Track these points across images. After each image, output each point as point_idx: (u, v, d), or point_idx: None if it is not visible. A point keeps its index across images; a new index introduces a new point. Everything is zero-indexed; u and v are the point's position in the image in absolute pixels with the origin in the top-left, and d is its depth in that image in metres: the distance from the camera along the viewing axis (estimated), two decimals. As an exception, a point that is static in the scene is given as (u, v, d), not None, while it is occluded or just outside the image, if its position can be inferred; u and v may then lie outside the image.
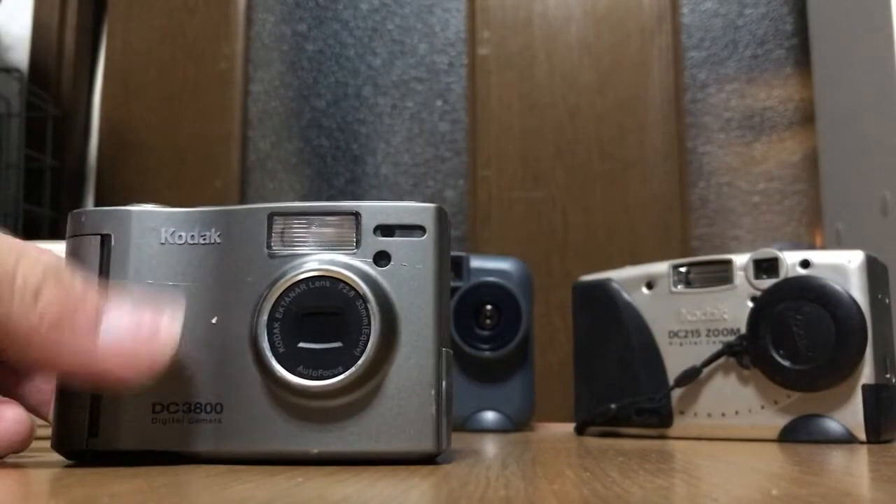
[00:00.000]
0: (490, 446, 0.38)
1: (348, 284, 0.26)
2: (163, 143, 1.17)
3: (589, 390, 0.48)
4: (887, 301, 0.42)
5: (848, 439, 0.38)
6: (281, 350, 0.26)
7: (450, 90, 1.15)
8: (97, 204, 1.17)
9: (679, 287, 0.44)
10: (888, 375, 0.40)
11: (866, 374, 0.39)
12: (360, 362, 0.26)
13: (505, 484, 0.22)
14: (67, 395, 0.26)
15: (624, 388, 0.45)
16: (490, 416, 0.54)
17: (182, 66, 1.19)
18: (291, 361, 0.26)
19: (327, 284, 0.26)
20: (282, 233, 0.27)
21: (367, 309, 0.26)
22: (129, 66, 1.20)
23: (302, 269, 0.26)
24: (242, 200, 1.15)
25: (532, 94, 1.11)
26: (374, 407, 0.26)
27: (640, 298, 0.46)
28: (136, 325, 0.24)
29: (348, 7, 1.19)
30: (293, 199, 1.15)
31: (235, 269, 0.27)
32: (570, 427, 0.50)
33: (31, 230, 1.06)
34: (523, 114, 1.11)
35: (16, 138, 1.06)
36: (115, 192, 1.16)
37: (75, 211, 0.27)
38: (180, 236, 0.27)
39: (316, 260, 0.26)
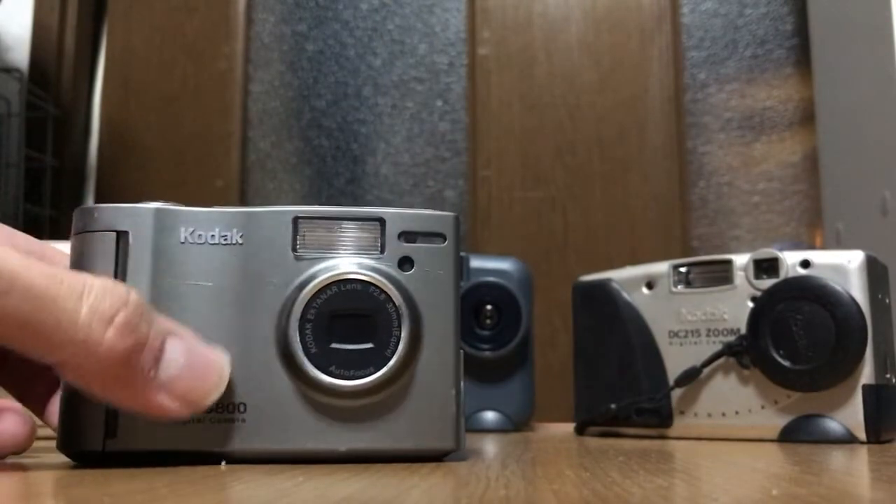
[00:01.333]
0: (490, 446, 0.38)
1: (378, 287, 0.27)
2: (163, 143, 1.17)
3: (589, 390, 0.48)
4: (887, 301, 0.42)
5: (848, 439, 0.38)
6: (313, 350, 0.26)
7: (450, 90, 1.15)
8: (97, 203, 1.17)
9: (679, 287, 0.44)
10: (888, 375, 0.40)
11: (866, 374, 0.39)
12: (391, 363, 0.26)
13: (505, 484, 0.22)
14: (79, 394, 0.25)
15: (624, 388, 0.45)
16: (490, 416, 0.54)
17: (182, 66, 1.19)
18: (323, 362, 0.26)
19: (358, 287, 0.27)
20: (307, 236, 0.27)
21: (396, 311, 0.27)
22: (129, 66, 1.20)
23: (333, 272, 0.27)
24: (242, 200, 1.16)
25: (532, 94, 1.11)
26: (400, 406, 0.27)
27: (640, 298, 0.46)
28: (191, 362, 0.24)
29: (348, 7, 1.19)
30: (294, 199, 1.15)
31: (259, 271, 0.27)
32: (570, 427, 0.50)
33: (31, 230, 1.05)
34: (523, 114, 1.11)
35: (16, 138, 1.06)
36: (115, 192, 1.16)
37: (85, 206, 0.27)
38: (200, 235, 0.27)
39: (345, 263, 0.27)
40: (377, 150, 1.15)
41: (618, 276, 0.47)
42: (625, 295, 0.46)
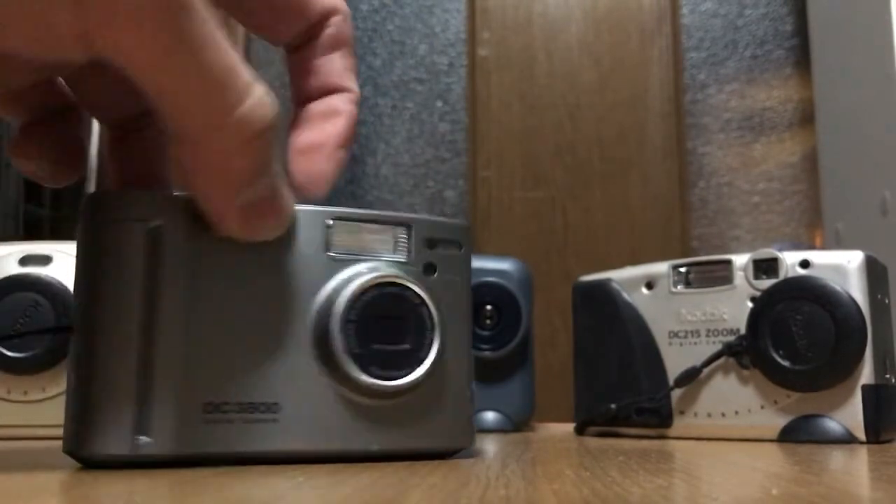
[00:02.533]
0: (490, 446, 0.38)
1: (415, 291, 0.28)
2: (163, 143, 1.17)
3: (589, 390, 0.48)
4: (887, 301, 0.42)
5: (848, 439, 0.38)
6: (356, 351, 0.26)
7: (450, 91, 1.15)
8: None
9: (679, 287, 0.44)
10: (888, 375, 0.40)
11: (866, 374, 0.39)
12: (425, 364, 0.27)
13: (505, 484, 0.22)
14: (104, 393, 0.24)
15: (624, 388, 0.45)
16: (490, 416, 0.54)
17: (182, 67, 1.19)
18: (365, 362, 0.26)
19: (396, 290, 0.27)
20: (340, 237, 0.28)
21: (429, 314, 0.28)
22: (129, 67, 1.20)
23: (374, 274, 0.27)
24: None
25: (532, 94, 1.11)
26: (427, 406, 0.28)
27: (640, 298, 0.46)
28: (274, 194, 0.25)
29: (348, 7, 1.19)
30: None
31: (292, 269, 0.27)
32: (570, 427, 0.50)
33: (31, 230, 1.06)
34: (523, 114, 1.11)
35: (16, 138, 1.05)
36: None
37: (104, 191, 0.26)
38: None
39: (381, 265, 0.28)
40: (377, 150, 1.15)
41: (618, 276, 0.47)
42: (625, 295, 0.46)
